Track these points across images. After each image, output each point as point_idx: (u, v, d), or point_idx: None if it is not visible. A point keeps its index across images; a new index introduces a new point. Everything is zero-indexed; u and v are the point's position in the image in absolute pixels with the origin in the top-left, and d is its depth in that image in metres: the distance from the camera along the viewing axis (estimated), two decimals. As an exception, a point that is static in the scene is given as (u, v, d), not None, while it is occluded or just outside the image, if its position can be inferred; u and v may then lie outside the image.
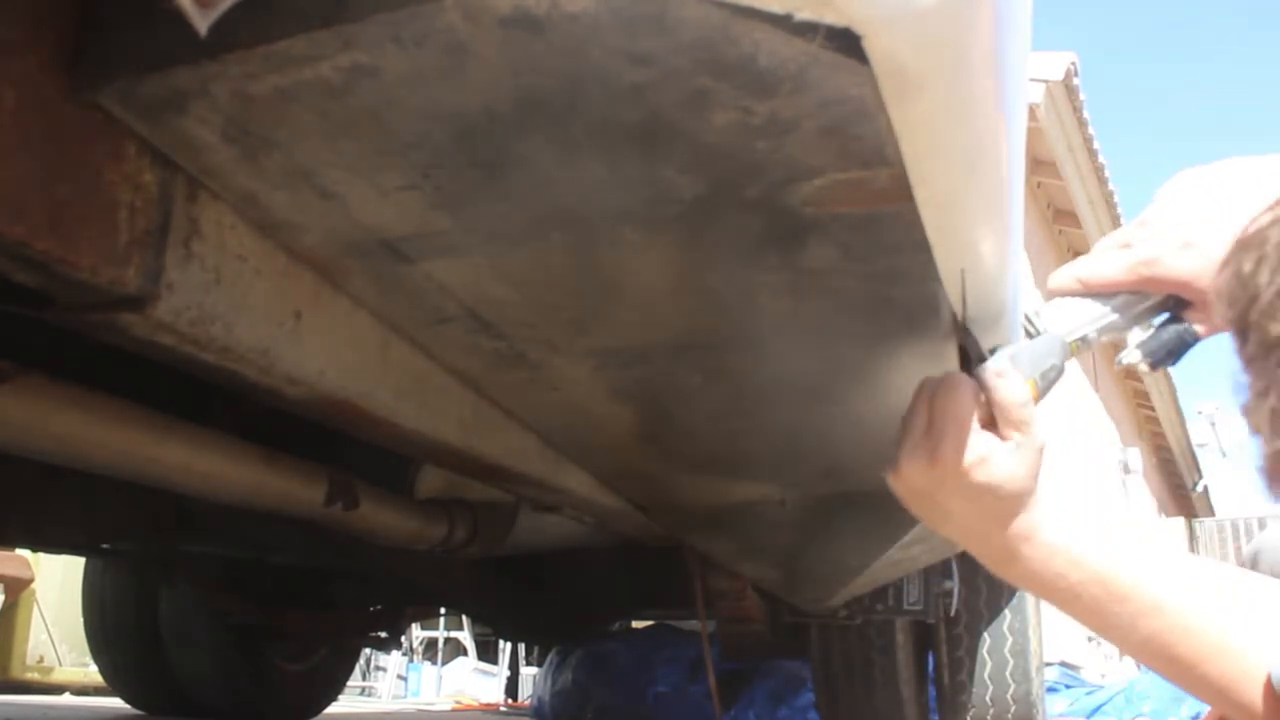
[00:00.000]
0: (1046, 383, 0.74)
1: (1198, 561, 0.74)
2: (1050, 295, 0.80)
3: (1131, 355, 0.79)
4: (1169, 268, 0.75)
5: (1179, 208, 0.77)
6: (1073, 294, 0.79)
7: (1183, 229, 0.76)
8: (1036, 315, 0.79)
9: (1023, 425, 0.70)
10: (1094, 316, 0.78)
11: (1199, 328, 0.77)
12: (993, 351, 0.74)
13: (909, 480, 0.73)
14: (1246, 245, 0.62)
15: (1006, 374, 0.71)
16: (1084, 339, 0.78)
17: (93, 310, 0.64)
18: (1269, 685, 0.66)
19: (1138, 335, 0.79)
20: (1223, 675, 0.68)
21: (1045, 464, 0.72)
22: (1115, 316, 0.78)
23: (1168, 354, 0.78)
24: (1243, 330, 0.61)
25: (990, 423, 0.70)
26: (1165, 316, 0.78)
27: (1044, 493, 0.72)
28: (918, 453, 0.71)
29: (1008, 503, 0.71)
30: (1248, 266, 0.61)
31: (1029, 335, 0.79)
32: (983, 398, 0.70)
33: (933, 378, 0.73)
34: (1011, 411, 0.70)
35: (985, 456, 0.69)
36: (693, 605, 1.92)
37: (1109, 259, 0.78)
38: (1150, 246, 0.76)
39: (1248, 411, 0.62)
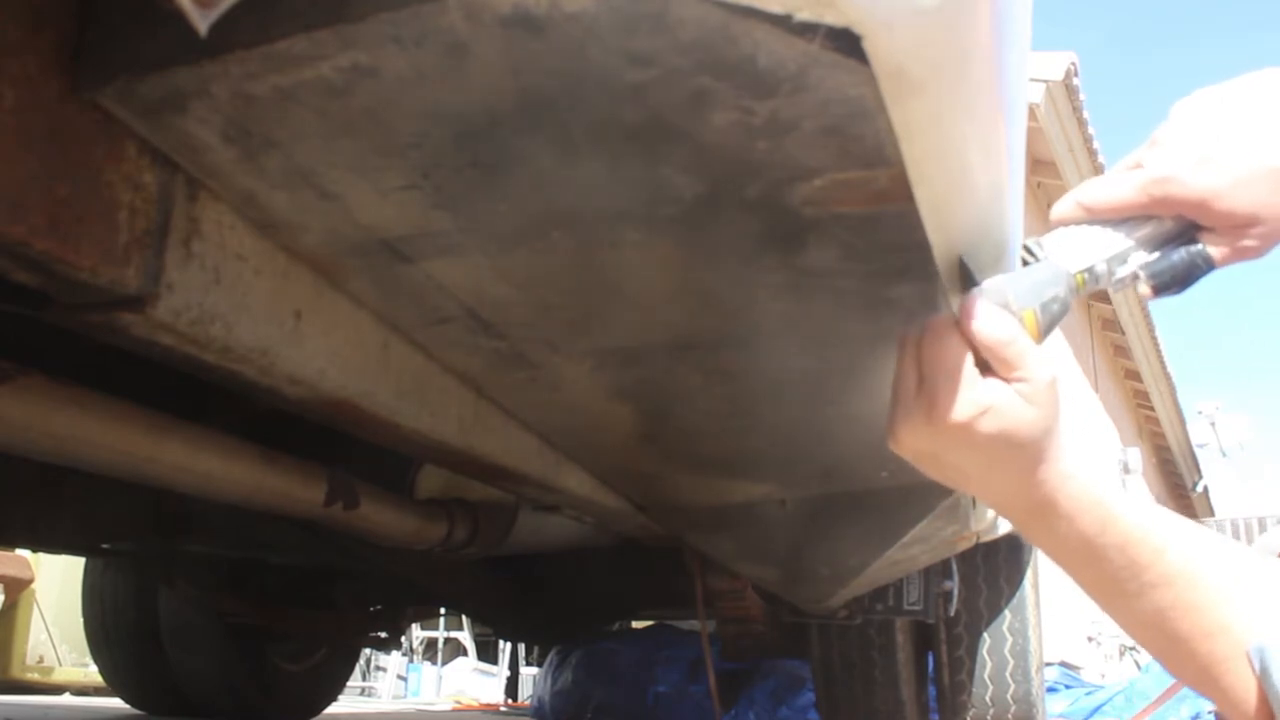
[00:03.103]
0: (1049, 316, 0.64)
1: (1214, 536, 0.69)
2: (1053, 226, 0.71)
3: (1134, 276, 0.69)
4: (1185, 185, 0.67)
5: (1196, 122, 0.69)
6: (1077, 221, 0.70)
7: (1200, 144, 0.67)
8: (1038, 245, 0.69)
9: (1018, 363, 0.62)
10: (1102, 245, 0.68)
11: (1214, 252, 0.68)
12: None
13: (910, 445, 0.66)
14: None
15: (981, 311, 0.62)
16: (1091, 270, 0.68)
17: (93, 310, 0.64)
18: (1249, 662, 0.65)
19: (1142, 257, 0.69)
20: (1211, 654, 0.66)
21: (1060, 402, 0.64)
22: (1128, 244, 0.68)
23: (1175, 279, 0.68)
24: None
25: (989, 365, 0.63)
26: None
27: (1067, 439, 0.66)
28: (913, 415, 0.64)
29: (1026, 451, 0.64)
30: None
31: (1026, 265, 0.69)
32: None
33: (914, 326, 0.67)
34: (999, 350, 0.62)
35: (989, 405, 0.62)
36: (693, 605, 1.92)
37: (1117, 180, 0.70)
38: (1164, 164, 0.68)
39: None
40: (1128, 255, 0.68)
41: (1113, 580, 0.68)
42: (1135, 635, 0.72)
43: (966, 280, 0.67)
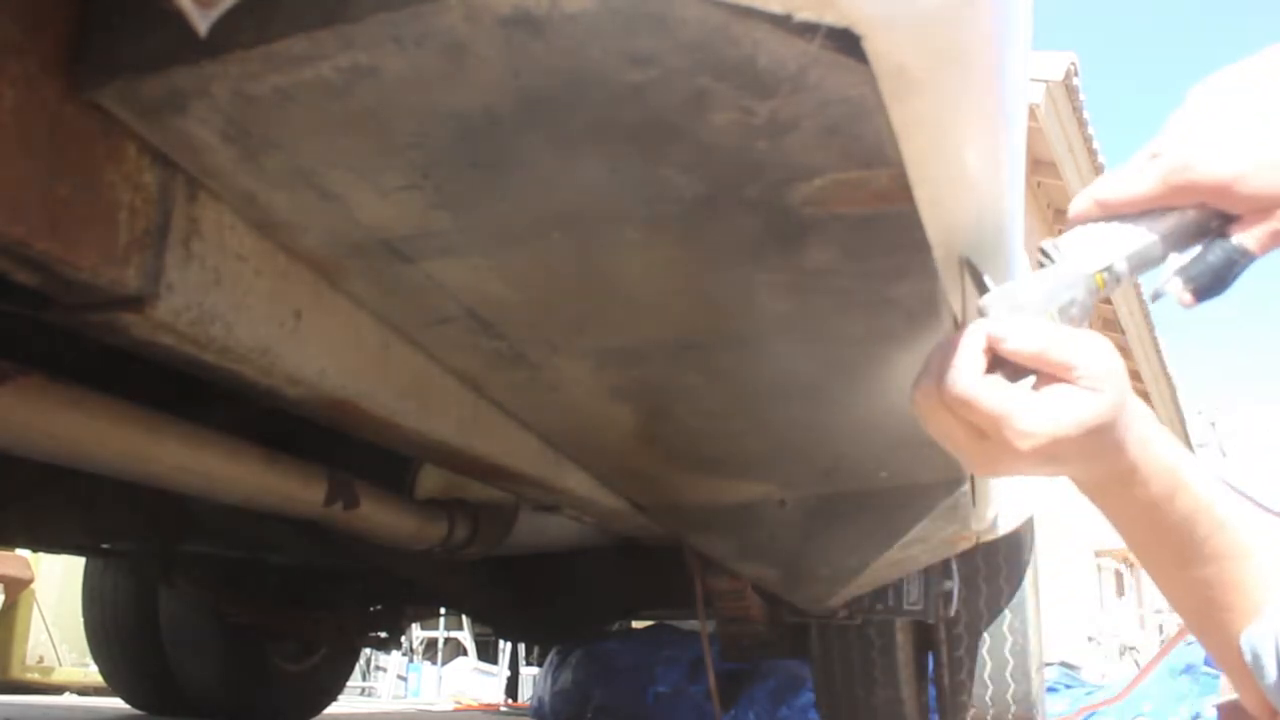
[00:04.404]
0: (1068, 321, 0.61)
1: (1271, 516, 0.68)
2: (1070, 225, 0.67)
3: (1171, 284, 0.64)
4: (1206, 171, 0.62)
5: (1213, 105, 0.65)
6: (1094, 219, 0.65)
7: (1220, 124, 0.63)
8: (1054, 246, 0.64)
9: (1069, 361, 0.58)
10: (1121, 242, 0.64)
11: (1249, 242, 0.63)
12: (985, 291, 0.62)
13: (969, 463, 0.64)
14: None
15: (1007, 330, 0.59)
16: (1110, 270, 0.63)
17: (93, 310, 0.64)
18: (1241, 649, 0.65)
19: (1176, 261, 0.64)
20: (1237, 631, 0.66)
21: (1121, 369, 0.61)
22: (1151, 239, 0.64)
23: (1214, 279, 0.64)
24: None
25: (1017, 369, 0.59)
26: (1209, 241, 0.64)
27: (1136, 402, 0.62)
28: (992, 459, 0.61)
29: (1108, 435, 0.60)
30: None
31: (1043, 268, 0.65)
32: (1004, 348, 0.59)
33: (927, 381, 0.62)
34: (1044, 360, 0.58)
35: (1059, 419, 0.58)
36: (693, 605, 1.92)
37: (1135, 172, 0.65)
38: (1182, 150, 0.63)
39: None
40: (1150, 252, 0.64)
41: (1171, 548, 0.67)
42: (1172, 598, 0.71)
43: (977, 285, 0.65)
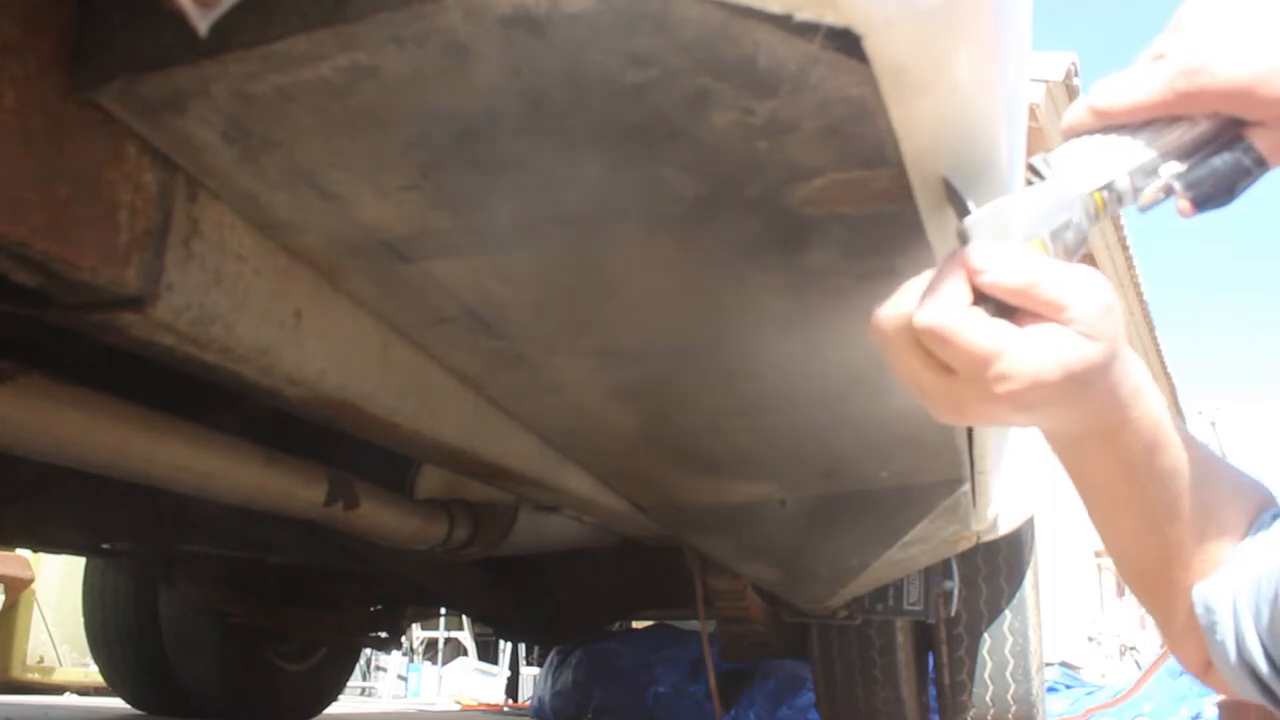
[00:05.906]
0: (1061, 245, 0.53)
1: (1234, 473, 0.66)
2: (1065, 139, 0.58)
3: (1166, 190, 0.55)
4: (1220, 74, 0.54)
5: None
6: (1092, 131, 0.56)
7: (1236, 21, 0.55)
8: (1045, 162, 0.56)
9: (1059, 300, 0.50)
10: (1123, 156, 0.55)
11: (1266, 151, 0.55)
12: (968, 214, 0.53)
13: (966, 420, 0.57)
14: None
15: (989, 260, 0.50)
16: (1110, 187, 0.54)
17: (93, 310, 0.64)
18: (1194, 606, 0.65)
19: (1175, 167, 0.55)
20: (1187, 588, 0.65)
21: (1119, 315, 0.53)
22: (1153, 154, 0.55)
23: (1217, 187, 0.55)
24: None
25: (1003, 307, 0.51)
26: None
27: (1128, 353, 0.55)
28: (959, 400, 0.54)
29: (1098, 386, 0.54)
30: None
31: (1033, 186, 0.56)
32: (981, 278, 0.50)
33: (897, 307, 0.55)
34: (1030, 297, 0.51)
35: (1042, 363, 0.51)
36: (693, 605, 1.93)
37: (1139, 76, 0.56)
38: (1192, 51, 0.55)
39: None
40: (1155, 167, 0.55)
41: (1140, 507, 0.63)
42: (1124, 554, 0.68)
43: (957, 208, 0.56)
